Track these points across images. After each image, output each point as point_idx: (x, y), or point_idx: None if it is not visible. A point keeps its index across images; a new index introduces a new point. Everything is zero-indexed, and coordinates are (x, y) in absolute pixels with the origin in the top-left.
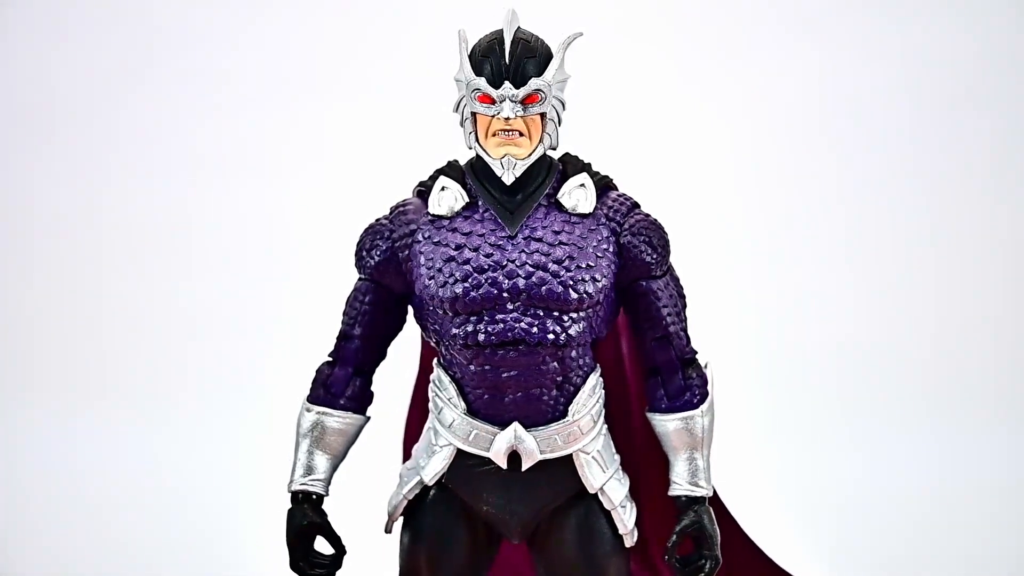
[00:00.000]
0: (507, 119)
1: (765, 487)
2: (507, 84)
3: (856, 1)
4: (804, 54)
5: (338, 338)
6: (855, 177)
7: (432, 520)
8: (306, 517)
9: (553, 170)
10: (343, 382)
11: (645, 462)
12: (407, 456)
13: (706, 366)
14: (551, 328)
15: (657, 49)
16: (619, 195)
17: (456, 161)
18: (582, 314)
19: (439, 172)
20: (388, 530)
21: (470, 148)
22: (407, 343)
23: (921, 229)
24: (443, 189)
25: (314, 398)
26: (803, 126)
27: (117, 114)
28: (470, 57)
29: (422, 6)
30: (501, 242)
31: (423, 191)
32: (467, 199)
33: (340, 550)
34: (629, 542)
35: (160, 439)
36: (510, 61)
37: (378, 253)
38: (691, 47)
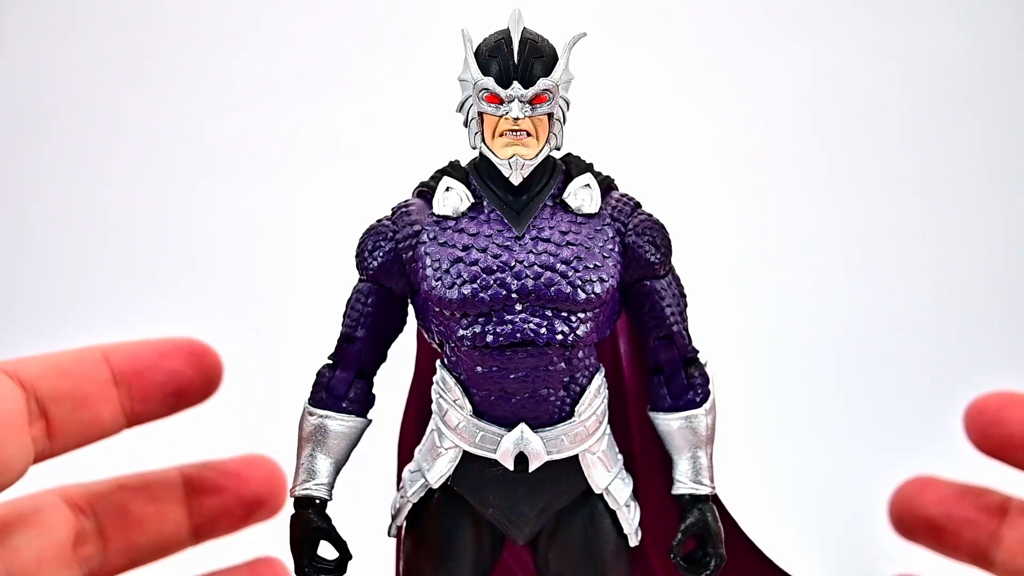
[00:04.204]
0: (516, 119)
1: (765, 487)
2: (516, 84)
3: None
4: (803, 54)
5: (339, 340)
6: (854, 177)
7: (438, 523)
8: (311, 522)
9: (557, 170)
10: (345, 385)
11: (643, 466)
12: (405, 459)
13: (705, 365)
14: (559, 328)
15: (655, 49)
16: (622, 195)
17: (458, 161)
18: (589, 314)
19: (442, 172)
20: (392, 534)
21: (474, 148)
22: (401, 345)
23: (923, 229)
24: (448, 189)
25: (316, 401)
26: (802, 125)
27: (119, 113)
28: (476, 57)
29: (422, 5)
30: (508, 243)
31: (425, 191)
32: (472, 200)
33: (345, 555)
34: (633, 541)
35: (159, 442)
36: (518, 61)
37: (381, 254)
38: (689, 47)
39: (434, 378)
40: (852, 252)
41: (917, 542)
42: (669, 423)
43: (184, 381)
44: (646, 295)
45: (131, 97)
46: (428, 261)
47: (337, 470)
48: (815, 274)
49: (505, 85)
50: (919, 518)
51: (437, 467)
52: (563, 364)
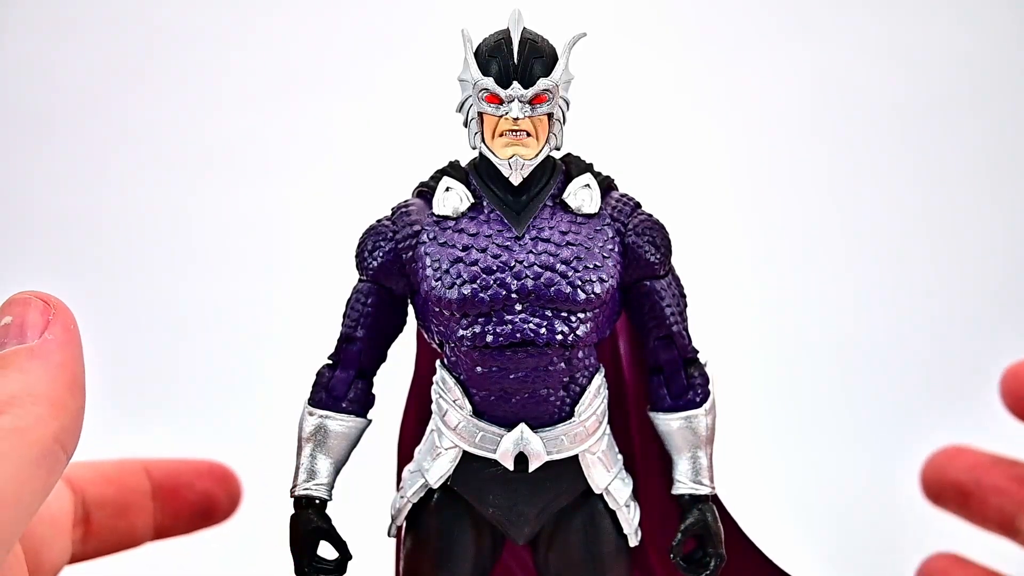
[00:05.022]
0: (516, 119)
1: (765, 487)
2: (515, 84)
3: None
4: (803, 54)
5: (339, 340)
6: (855, 177)
7: (438, 523)
8: (311, 522)
9: (557, 171)
10: (345, 385)
11: (643, 466)
12: (405, 459)
13: (705, 365)
14: (559, 329)
15: (655, 49)
16: (621, 195)
17: (458, 162)
18: (589, 314)
19: (442, 172)
20: (392, 534)
21: (474, 148)
22: (401, 345)
23: (924, 228)
24: (448, 189)
25: (316, 401)
26: (802, 126)
27: (119, 113)
28: (476, 57)
29: (422, 5)
30: (508, 243)
31: (425, 192)
32: (472, 200)
33: (345, 555)
34: (633, 542)
35: (159, 442)
36: (518, 61)
37: (380, 254)
38: (689, 47)
39: (434, 378)
40: (852, 252)
41: (946, 508)
42: (669, 423)
43: (213, 502)
44: (646, 295)
45: (131, 97)
46: (428, 261)
47: (337, 470)
48: (815, 274)
49: (505, 85)
50: (949, 484)
51: (437, 467)
52: (563, 364)
